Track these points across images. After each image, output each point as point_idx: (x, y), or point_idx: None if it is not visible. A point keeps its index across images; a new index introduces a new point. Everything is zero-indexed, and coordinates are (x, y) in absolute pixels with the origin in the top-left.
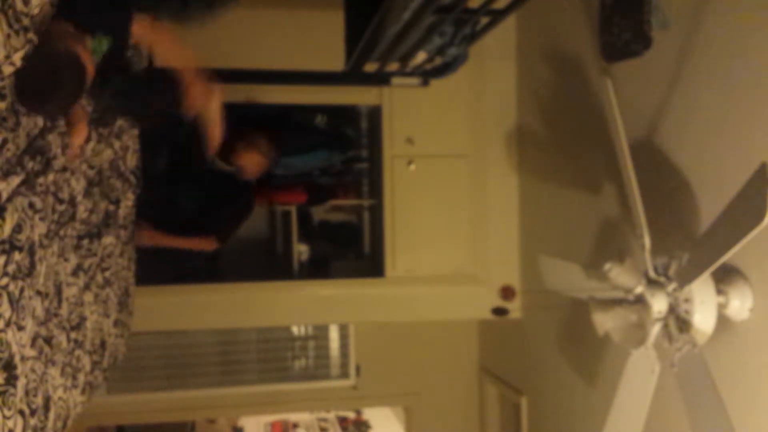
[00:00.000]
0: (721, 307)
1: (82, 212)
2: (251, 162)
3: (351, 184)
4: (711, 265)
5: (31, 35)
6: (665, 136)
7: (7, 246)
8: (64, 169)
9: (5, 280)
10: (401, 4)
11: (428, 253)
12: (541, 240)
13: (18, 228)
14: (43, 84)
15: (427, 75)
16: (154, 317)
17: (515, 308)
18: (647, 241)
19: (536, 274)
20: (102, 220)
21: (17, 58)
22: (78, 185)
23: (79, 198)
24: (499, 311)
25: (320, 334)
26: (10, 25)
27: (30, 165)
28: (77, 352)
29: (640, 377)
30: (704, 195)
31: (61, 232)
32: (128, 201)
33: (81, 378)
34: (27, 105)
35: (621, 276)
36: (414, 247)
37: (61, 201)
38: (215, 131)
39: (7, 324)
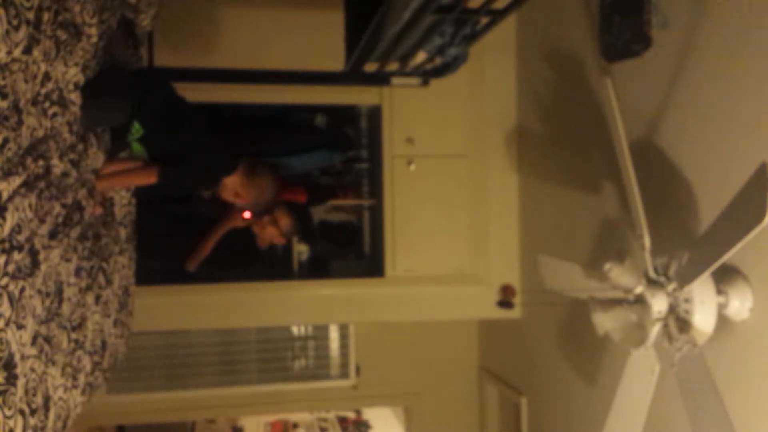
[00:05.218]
0: (721, 307)
1: (86, 213)
2: (269, 234)
3: (351, 184)
4: (711, 265)
5: (32, 30)
6: (665, 136)
7: (6, 245)
8: (65, 174)
9: (5, 280)
10: (401, 4)
11: (428, 253)
12: (541, 240)
13: (18, 228)
14: None
15: (427, 75)
16: (154, 317)
17: (517, 304)
18: (647, 241)
19: (536, 274)
20: (102, 220)
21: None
22: (81, 187)
23: (83, 202)
24: (504, 304)
25: (320, 334)
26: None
27: (32, 166)
28: (78, 352)
29: (640, 377)
30: (704, 195)
31: (68, 233)
32: (124, 200)
33: (81, 378)
34: None
35: (621, 276)
36: (414, 247)
37: (64, 204)
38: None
39: (7, 323)
